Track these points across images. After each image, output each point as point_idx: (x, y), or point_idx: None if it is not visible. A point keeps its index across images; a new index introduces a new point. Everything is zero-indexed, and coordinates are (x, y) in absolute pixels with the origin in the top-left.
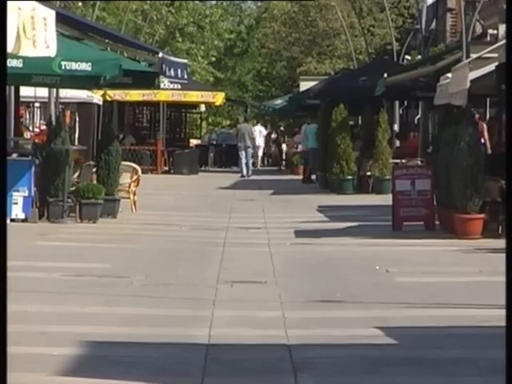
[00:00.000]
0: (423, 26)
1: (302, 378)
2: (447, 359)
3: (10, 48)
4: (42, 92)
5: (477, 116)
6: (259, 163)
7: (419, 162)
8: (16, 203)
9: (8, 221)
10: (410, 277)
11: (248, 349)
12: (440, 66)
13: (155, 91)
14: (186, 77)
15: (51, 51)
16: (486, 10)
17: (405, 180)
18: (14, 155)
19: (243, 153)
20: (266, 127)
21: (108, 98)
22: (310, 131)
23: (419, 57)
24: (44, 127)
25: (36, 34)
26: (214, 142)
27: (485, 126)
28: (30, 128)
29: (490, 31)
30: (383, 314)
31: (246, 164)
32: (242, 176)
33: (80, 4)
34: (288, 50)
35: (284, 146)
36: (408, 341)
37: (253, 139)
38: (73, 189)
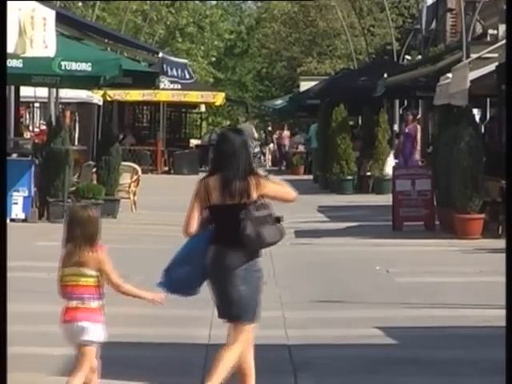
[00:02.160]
0: (423, 26)
1: (302, 378)
2: (447, 359)
3: (11, 48)
4: (42, 92)
5: (410, 117)
6: None
7: (419, 162)
8: (16, 203)
9: (8, 221)
10: (410, 277)
11: None
12: (440, 66)
13: (155, 91)
14: (187, 76)
15: (50, 51)
16: (486, 10)
17: (405, 180)
18: (14, 155)
19: None
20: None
21: (108, 98)
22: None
23: (419, 57)
24: (44, 127)
25: (35, 34)
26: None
27: (418, 127)
28: (30, 128)
29: (490, 31)
30: (383, 314)
31: None
32: None
33: (80, 4)
34: (288, 50)
35: (271, 146)
36: (408, 341)
37: (254, 139)
38: (73, 189)
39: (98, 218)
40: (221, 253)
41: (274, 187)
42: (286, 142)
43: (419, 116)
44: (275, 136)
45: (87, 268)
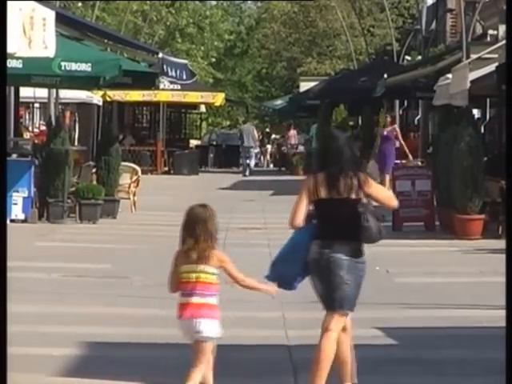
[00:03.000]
0: (423, 27)
1: (302, 379)
2: (447, 359)
3: (11, 49)
4: (42, 92)
5: (388, 119)
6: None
7: (419, 163)
8: (16, 204)
9: (8, 221)
10: (410, 277)
11: (248, 349)
12: (440, 66)
13: (155, 92)
14: (184, 77)
15: (49, 51)
16: (486, 11)
17: (405, 180)
18: (14, 156)
19: (246, 153)
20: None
21: (108, 99)
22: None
23: (419, 57)
24: (44, 128)
25: (33, 35)
26: (214, 143)
27: (397, 129)
28: (30, 128)
29: (490, 32)
30: (383, 315)
31: (248, 164)
32: (244, 175)
33: (80, 4)
34: (288, 50)
35: (269, 147)
36: (408, 341)
37: (256, 140)
38: (72, 189)
39: (217, 216)
40: (327, 245)
41: (379, 189)
42: (293, 140)
43: (419, 116)
44: (274, 136)
45: (208, 265)
